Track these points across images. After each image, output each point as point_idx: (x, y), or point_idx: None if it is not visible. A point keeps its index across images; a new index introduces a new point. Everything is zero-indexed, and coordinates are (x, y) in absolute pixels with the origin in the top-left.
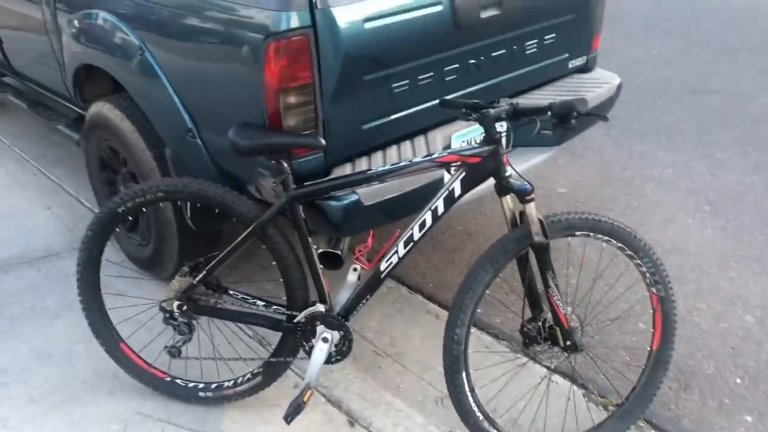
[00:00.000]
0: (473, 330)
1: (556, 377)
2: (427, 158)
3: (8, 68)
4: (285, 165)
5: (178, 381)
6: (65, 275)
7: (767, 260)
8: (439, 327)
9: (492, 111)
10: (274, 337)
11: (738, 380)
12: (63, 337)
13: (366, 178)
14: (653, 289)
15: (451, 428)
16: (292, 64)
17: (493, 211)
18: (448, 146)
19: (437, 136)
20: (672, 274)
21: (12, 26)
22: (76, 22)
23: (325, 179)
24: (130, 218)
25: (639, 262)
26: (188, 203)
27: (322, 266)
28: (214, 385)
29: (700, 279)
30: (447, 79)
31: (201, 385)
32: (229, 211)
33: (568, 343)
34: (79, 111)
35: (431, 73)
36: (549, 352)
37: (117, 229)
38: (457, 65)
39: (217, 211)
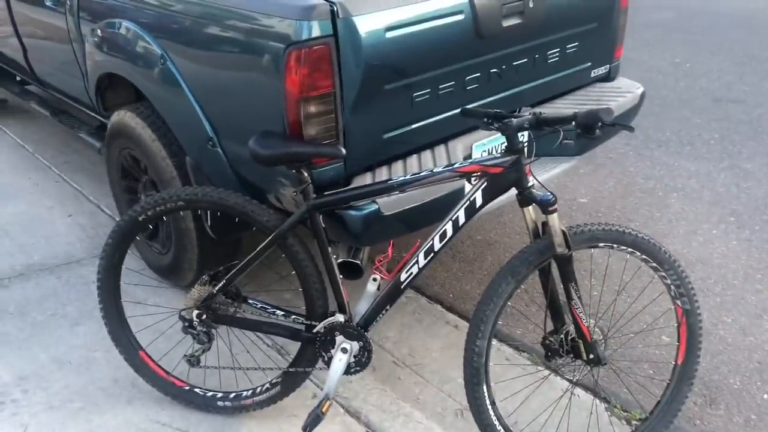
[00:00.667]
0: (494, 342)
1: (579, 391)
2: (448, 168)
3: (32, 77)
4: (305, 174)
5: (196, 390)
6: (85, 282)
7: None
8: (459, 338)
9: (514, 120)
10: (293, 346)
11: (765, 396)
12: (83, 344)
13: (386, 188)
14: (678, 302)
15: None
16: (313, 73)
17: (513, 221)
18: (469, 156)
19: (458, 146)
20: (696, 287)
21: (36, 35)
22: (99, 31)
23: (345, 189)
24: (151, 227)
25: (664, 274)
26: (208, 212)
27: (341, 276)
28: (232, 395)
29: (725, 291)
30: (468, 88)
31: (219, 395)
32: (249, 220)
33: (591, 356)
34: (101, 119)
35: (452, 83)
36: (571, 365)
37: (137, 238)
38: (479, 74)
39: (237, 220)
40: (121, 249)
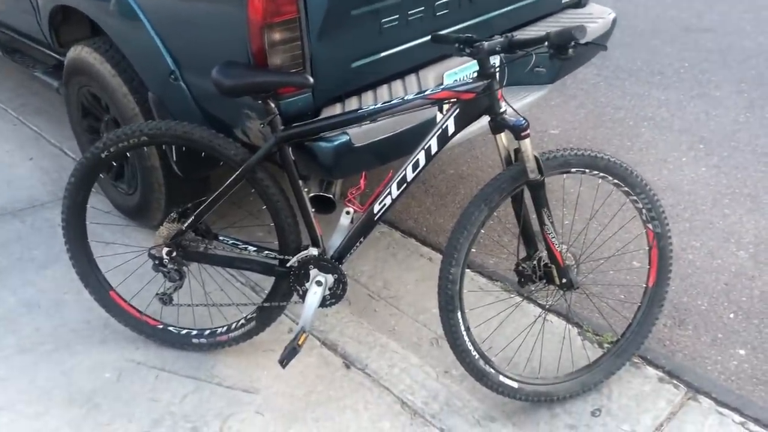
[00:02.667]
0: (468, 272)
1: (551, 316)
2: (419, 95)
3: None
4: (272, 105)
5: (170, 328)
6: (51, 226)
7: (760, 197)
8: (433, 270)
9: (486, 44)
10: (267, 282)
11: (731, 315)
12: (51, 287)
13: (357, 118)
14: (649, 225)
15: (446, 368)
16: None
17: (485, 154)
18: (441, 84)
19: (429, 75)
20: (666, 213)
21: None
22: None
23: (314, 119)
24: (114, 164)
25: (635, 198)
26: (173, 147)
27: (313, 210)
28: (207, 332)
29: (694, 217)
30: (438, 14)
31: (194, 332)
32: (216, 154)
33: (564, 280)
34: (58, 57)
35: (422, 8)
36: (544, 291)
37: (102, 176)
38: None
39: (203, 155)
40: (85, 187)
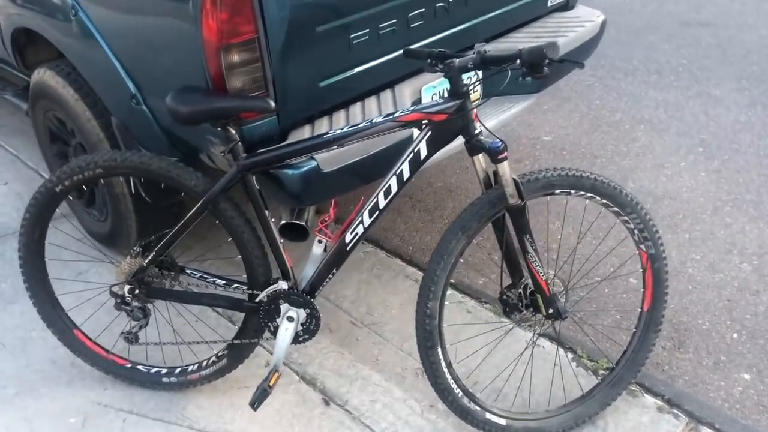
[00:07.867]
0: (456, 294)
1: (543, 341)
2: (388, 118)
3: None
4: (232, 131)
5: (139, 367)
6: None
7: (764, 204)
8: None
9: (457, 61)
10: (240, 315)
11: (735, 335)
12: (18, 324)
13: (323, 143)
14: (642, 247)
15: (431, 402)
16: (233, 18)
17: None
18: (419, 100)
19: (405, 90)
20: (664, 223)
21: None
22: None
23: (277, 146)
24: (71, 197)
25: (626, 218)
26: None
27: (283, 239)
28: (177, 370)
29: (694, 227)
30: (413, 25)
31: (164, 370)
32: (176, 184)
33: (551, 310)
34: (27, 78)
35: (394, 20)
36: (532, 320)
37: (58, 211)
38: (423, 10)
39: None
40: (42, 223)
